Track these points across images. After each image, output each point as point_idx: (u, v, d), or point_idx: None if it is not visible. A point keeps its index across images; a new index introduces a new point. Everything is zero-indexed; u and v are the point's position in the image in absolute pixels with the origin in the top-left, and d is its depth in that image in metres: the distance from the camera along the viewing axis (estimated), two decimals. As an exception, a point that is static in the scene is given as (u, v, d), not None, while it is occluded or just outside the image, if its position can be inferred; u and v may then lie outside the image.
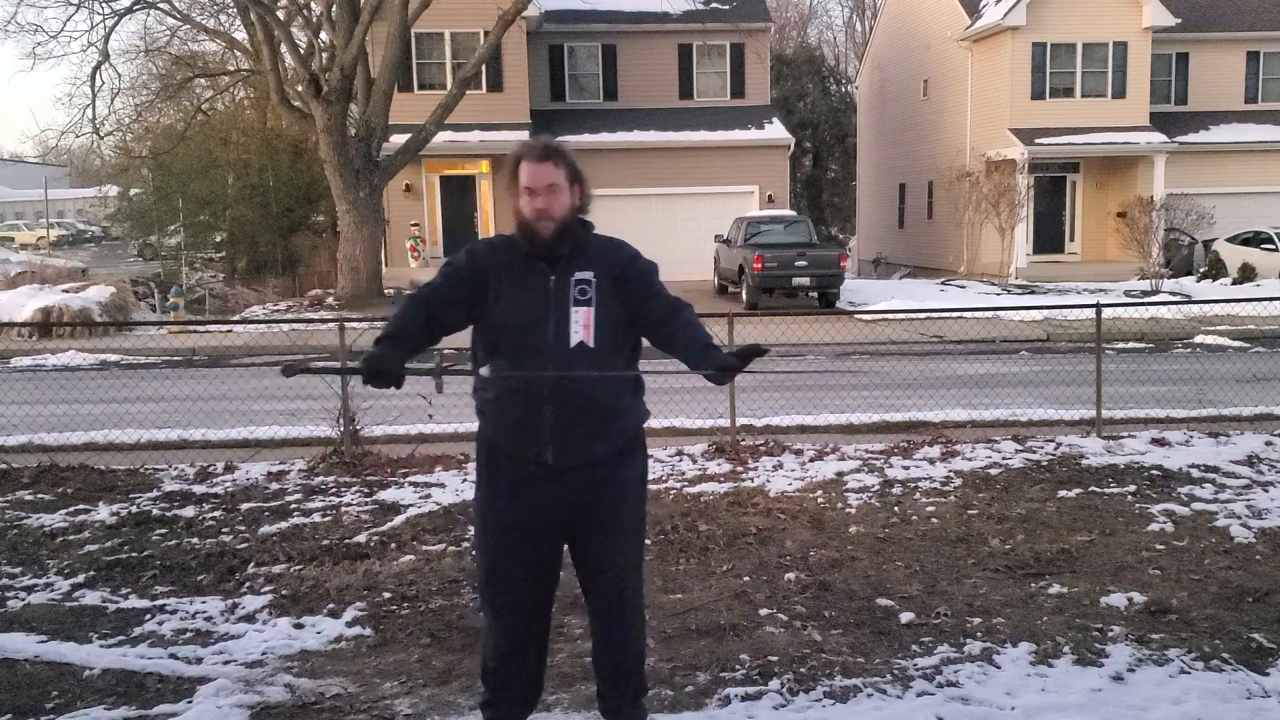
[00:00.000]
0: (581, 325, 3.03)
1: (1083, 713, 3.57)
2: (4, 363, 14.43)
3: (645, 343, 3.21)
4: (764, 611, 4.51)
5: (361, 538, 5.64)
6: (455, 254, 3.20)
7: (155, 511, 6.23)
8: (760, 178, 26.01)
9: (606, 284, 3.08)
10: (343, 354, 7.84)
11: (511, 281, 3.09)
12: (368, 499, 6.47)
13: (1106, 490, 6.39)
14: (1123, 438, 7.76)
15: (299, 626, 4.48)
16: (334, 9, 20.66)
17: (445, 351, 3.07)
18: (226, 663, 4.15)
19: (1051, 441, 7.66)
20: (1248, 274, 22.58)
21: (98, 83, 24.12)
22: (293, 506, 6.34)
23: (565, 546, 3.25)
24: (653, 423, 3.52)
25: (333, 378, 7.92)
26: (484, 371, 3.04)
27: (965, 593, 4.71)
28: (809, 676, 3.89)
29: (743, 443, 7.65)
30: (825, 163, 42.05)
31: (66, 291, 18.65)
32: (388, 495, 6.53)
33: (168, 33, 27.19)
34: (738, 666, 3.98)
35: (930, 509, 6.06)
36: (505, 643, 3.21)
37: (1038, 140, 25.33)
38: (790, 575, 4.93)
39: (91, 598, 4.85)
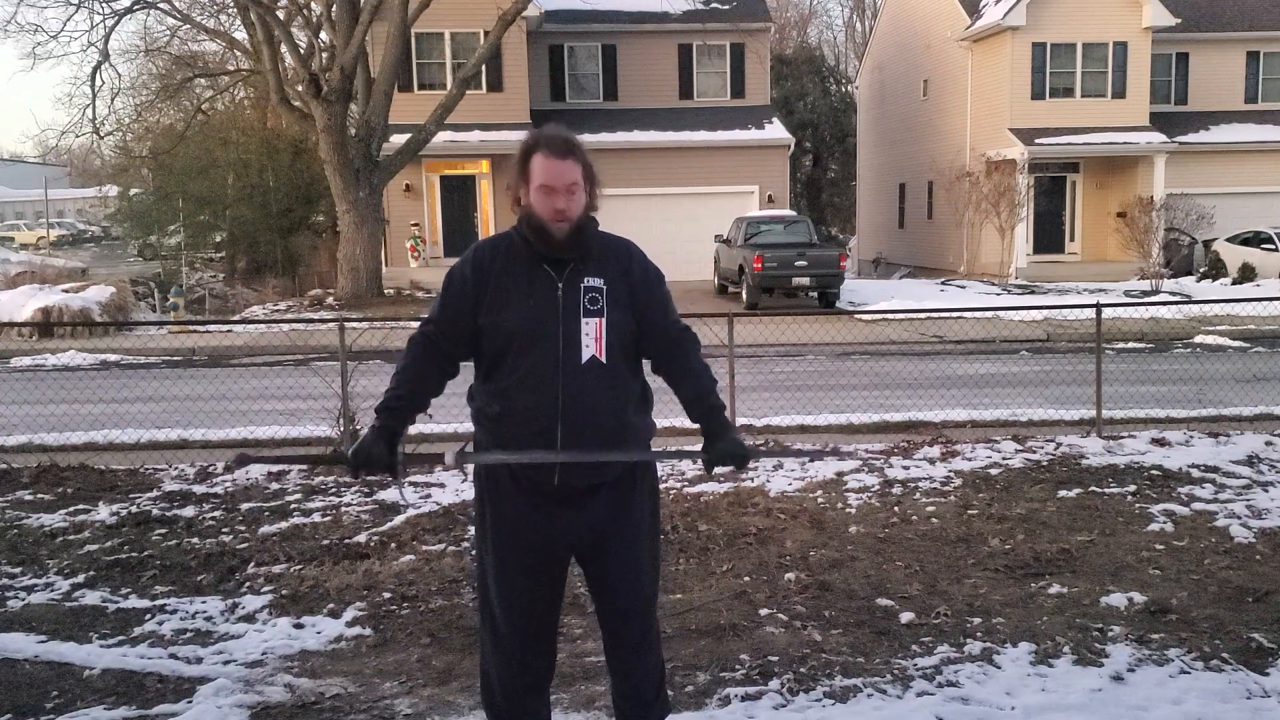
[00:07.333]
0: (593, 339, 2.81)
1: (1083, 713, 3.57)
2: (4, 363, 14.43)
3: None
4: (764, 611, 4.51)
5: (361, 538, 5.64)
6: (459, 264, 2.95)
7: (155, 511, 6.23)
8: (760, 178, 26.02)
9: (616, 290, 2.88)
10: (342, 353, 7.85)
11: (516, 289, 2.85)
12: (368, 499, 6.47)
13: (1106, 490, 6.38)
14: (1123, 438, 7.76)
15: (299, 626, 4.48)
16: (334, 9, 20.66)
17: (406, 451, 3.00)
18: (226, 663, 4.14)
19: (1051, 441, 7.66)
20: (1248, 274, 22.58)
21: (98, 83, 24.19)
22: (293, 506, 6.34)
23: (572, 569, 3.08)
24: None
25: (333, 377, 7.93)
26: (448, 459, 2.87)
27: (965, 593, 4.71)
28: (809, 676, 3.88)
29: (743, 443, 7.63)
30: (825, 163, 42.06)
31: (66, 291, 18.65)
32: (388, 495, 6.52)
33: (168, 33, 27.32)
34: (738, 666, 3.98)
35: (930, 509, 6.05)
36: (507, 672, 3.01)
37: (1038, 140, 25.33)
38: (790, 575, 4.93)
39: (91, 598, 4.84)
